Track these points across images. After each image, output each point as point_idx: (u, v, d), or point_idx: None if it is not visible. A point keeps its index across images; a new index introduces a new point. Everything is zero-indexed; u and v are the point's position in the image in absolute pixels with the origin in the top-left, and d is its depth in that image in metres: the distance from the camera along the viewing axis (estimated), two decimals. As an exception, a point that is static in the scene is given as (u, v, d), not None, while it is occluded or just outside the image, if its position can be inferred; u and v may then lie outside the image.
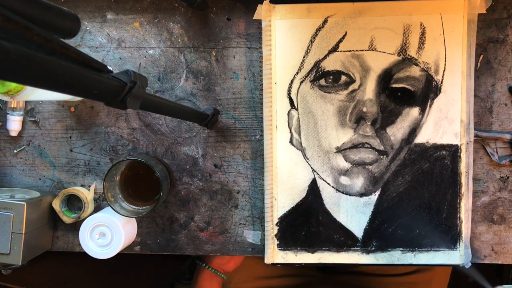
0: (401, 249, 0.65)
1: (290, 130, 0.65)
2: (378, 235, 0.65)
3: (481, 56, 0.64)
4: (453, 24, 0.62)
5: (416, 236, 0.65)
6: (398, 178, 0.65)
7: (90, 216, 0.64)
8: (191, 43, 0.68)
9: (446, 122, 0.64)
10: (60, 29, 0.34)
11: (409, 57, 0.63)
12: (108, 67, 0.35)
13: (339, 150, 0.65)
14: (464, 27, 0.62)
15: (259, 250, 0.69)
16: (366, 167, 0.65)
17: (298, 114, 0.65)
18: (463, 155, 0.64)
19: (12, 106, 0.68)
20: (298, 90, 0.65)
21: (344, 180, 0.65)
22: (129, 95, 0.37)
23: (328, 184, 0.65)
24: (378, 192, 0.65)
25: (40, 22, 0.31)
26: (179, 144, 0.69)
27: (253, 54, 0.67)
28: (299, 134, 0.65)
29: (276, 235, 0.66)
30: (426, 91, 0.63)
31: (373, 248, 0.66)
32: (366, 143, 0.64)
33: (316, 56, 0.64)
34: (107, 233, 0.63)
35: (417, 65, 0.63)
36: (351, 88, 0.64)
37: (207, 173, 0.68)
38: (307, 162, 0.66)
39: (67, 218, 0.68)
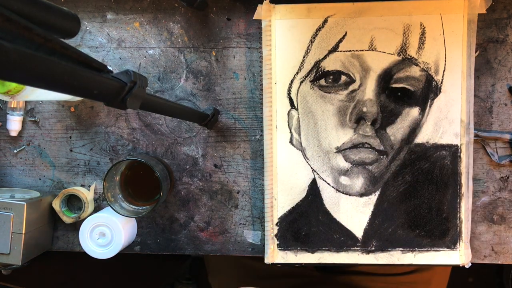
0: (401, 249, 0.65)
1: (290, 130, 0.66)
2: (378, 235, 0.65)
3: (477, 52, 0.64)
4: (453, 24, 0.62)
5: (416, 236, 0.65)
6: (398, 178, 0.65)
7: (90, 216, 0.64)
8: (191, 43, 0.68)
9: (446, 122, 0.64)
10: (60, 29, 0.34)
11: (409, 57, 0.63)
12: (108, 67, 0.35)
13: (339, 150, 0.65)
14: (464, 27, 0.62)
15: (259, 250, 0.69)
16: (366, 167, 0.65)
17: (298, 114, 0.65)
18: (463, 155, 0.64)
19: (12, 106, 0.68)
20: (298, 90, 0.65)
21: (344, 180, 0.65)
22: (129, 95, 0.37)
23: (328, 184, 0.65)
24: (378, 192, 0.65)
25: (40, 22, 0.31)
26: (179, 144, 0.69)
27: (253, 54, 0.67)
28: (299, 134, 0.65)
29: (276, 235, 0.66)
30: (426, 91, 0.63)
31: (373, 248, 0.66)
32: (366, 143, 0.64)
33: (316, 56, 0.64)
34: (107, 233, 0.63)
35: (417, 65, 0.63)
36: (351, 88, 0.64)
37: (207, 173, 0.68)
38: (307, 162, 0.66)
39: (67, 218, 0.68)
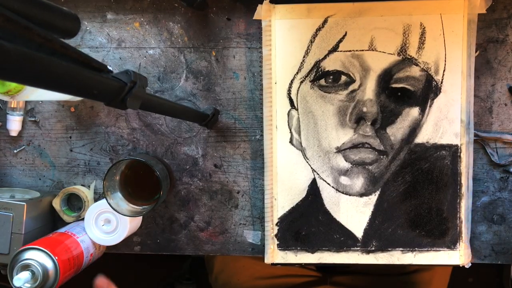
0: (401, 249, 0.65)
1: (290, 130, 0.66)
2: (378, 235, 0.65)
3: (477, 52, 0.64)
4: (453, 24, 0.62)
5: (416, 236, 0.65)
6: (398, 178, 0.65)
7: (96, 203, 0.64)
8: (191, 43, 0.68)
9: (446, 122, 0.64)
10: (60, 29, 0.34)
11: (409, 57, 0.63)
12: (108, 67, 0.35)
13: (339, 150, 0.65)
14: (464, 27, 0.62)
15: (259, 250, 0.69)
16: (366, 167, 0.65)
17: (298, 114, 0.65)
18: (463, 155, 0.64)
19: (12, 106, 0.68)
20: (298, 90, 0.65)
21: (344, 180, 0.65)
22: (129, 95, 0.37)
23: (328, 184, 0.65)
24: (378, 192, 0.65)
25: (40, 22, 0.31)
26: (179, 144, 0.69)
27: (253, 54, 0.67)
28: (299, 134, 0.65)
29: (276, 235, 0.66)
30: (426, 91, 0.63)
31: (373, 248, 0.66)
32: (366, 143, 0.64)
33: (316, 56, 0.64)
34: (112, 219, 0.63)
35: (417, 65, 0.63)
36: (351, 88, 0.64)
37: (207, 173, 0.68)
38: (307, 162, 0.65)
39: (68, 217, 0.68)
